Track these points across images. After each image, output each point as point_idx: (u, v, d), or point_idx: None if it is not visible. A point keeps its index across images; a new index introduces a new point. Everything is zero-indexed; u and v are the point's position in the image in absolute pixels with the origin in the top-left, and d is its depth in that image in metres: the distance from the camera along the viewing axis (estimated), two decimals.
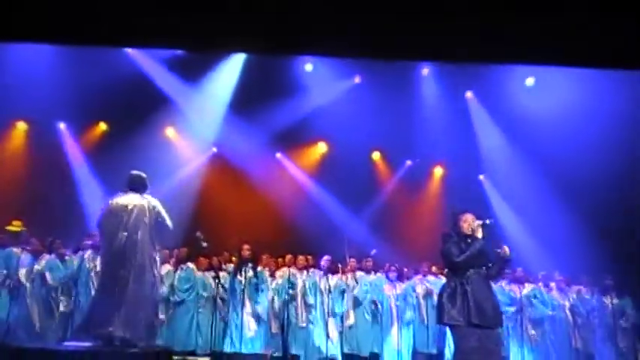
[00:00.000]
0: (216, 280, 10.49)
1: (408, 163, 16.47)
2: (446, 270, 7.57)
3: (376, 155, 16.55)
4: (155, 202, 8.29)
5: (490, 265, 7.03)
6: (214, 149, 15.61)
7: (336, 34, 9.00)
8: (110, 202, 8.25)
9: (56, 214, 13.55)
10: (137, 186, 8.42)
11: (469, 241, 6.97)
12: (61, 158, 14.79)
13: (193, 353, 11.55)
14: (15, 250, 11.23)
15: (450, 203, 15.24)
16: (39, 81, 13.45)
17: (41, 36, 10.25)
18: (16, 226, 11.89)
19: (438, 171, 16.62)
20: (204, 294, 11.98)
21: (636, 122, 12.69)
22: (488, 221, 7.09)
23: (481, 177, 16.26)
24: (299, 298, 11.73)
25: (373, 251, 13.04)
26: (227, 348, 10.65)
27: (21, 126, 14.89)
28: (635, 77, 11.65)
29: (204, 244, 9.47)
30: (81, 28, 9.17)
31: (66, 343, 8.44)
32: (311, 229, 14.91)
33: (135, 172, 8.60)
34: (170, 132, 15.66)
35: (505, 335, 11.26)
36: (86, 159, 14.91)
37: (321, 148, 16.44)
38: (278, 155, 16.17)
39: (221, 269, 11.82)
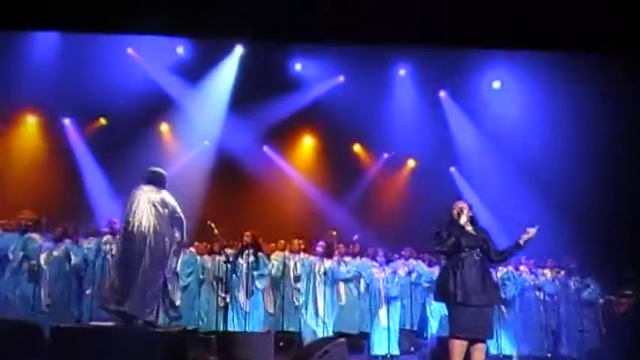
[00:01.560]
0: (227, 264, 10.55)
1: (385, 155, 16.73)
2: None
3: (357, 147, 16.74)
4: (172, 201, 8.24)
5: (491, 248, 7.25)
6: (207, 143, 15.60)
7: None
8: (135, 191, 8.24)
9: (64, 203, 13.65)
10: (156, 181, 8.36)
11: (458, 225, 7.25)
12: (67, 151, 14.88)
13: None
14: (34, 235, 11.20)
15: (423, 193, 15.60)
16: (46, 76, 13.53)
17: (46, 23, 10.39)
18: (26, 214, 11.92)
19: (411, 163, 16.87)
20: (202, 276, 12.11)
21: (599, 114, 12.99)
22: (460, 204, 7.41)
23: (452, 169, 16.51)
24: (293, 280, 11.88)
25: (356, 236, 13.16)
26: (230, 327, 10.75)
27: (30, 119, 14.95)
28: (592, 63, 12.05)
29: (216, 232, 9.59)
30: (84, 15, 9.31)
31: (92, 323, 8.56)
32: (299, 216, 15.24)
33: (154, 168, 8.53)
34: (164, 127, 15.81)
35: None
36: (89, 152, 14.95)
37: (307, 141, 16.72)
38: (265, 148, 16.27)
39: (220, 254, 11.93)
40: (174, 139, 15.79)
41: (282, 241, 12.71)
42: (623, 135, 12.78)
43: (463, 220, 7.24)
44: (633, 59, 10.49)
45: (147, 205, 8.03)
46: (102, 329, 7.65)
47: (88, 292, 11.02)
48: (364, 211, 15.76)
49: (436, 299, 7.50)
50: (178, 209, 8.25)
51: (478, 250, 7.16)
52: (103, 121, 15.32)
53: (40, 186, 13.95)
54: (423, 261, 12.80)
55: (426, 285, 12.30)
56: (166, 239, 8.16)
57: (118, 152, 14.10)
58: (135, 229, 7.89)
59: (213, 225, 9.49)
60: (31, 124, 14.97)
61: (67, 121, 15.14)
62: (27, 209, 11.95)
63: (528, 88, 14.56)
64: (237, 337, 9.21)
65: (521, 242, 7.21)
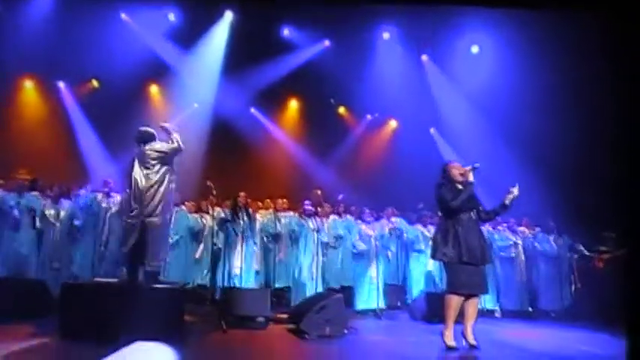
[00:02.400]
0: (226, 223, 10.77)
1: (369, 117, 17.01)
2: (439, 213, 7.90)
3: (342, 110, 17.07)
4: (162, 147, 8.14)
5: (481, 209, 7.50)
6: (196, 105, 15.73)
7: None
8: (133, 155, 8.31)
9: (59, 164, 13.76)
10: (146, 138, 8.24)
11: (459, 187, 7.44)
12: (62, 113, 14.97)
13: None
14: (34, 194, 11.42)
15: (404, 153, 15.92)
16: (40, 40, 13.51)
17: None
18: (22, 174, 12.02)
19: (393, 124, 17.17)
20: (191, 234, 12.20)
21: (577, 74, 13.10)
22: (477, 165, 7.52)
23: (432, 130, 16.77)
24: (284, 238, 12.09)
25: (340, 196, 13.30)
26: (225, 283, 10.95)
27: (27, 83, 15.05)
28: (567, 22, 12.15)
29: (214, 192, 9.75)
30: None
31: (96, 279, 8.75)
32: (286, 176, 15.47)
33: (142, 127, 8.43)
34: (155, 90, 16.00)
35: None
36: (83, 114, 15.07)
37: (294, 103, 17.01)
38: (252, 110, 16.47)
39: (208, 212, 12.15)
40: (165, 101, 15.92)
41: (268, 200, 12.87)
42: (602, 95, 12.85)
43: (471, 178, 7.46)
44: (609, 17, 10.56)
45: (140, 165, 8.10)
46: (106, 285, 7.83)
47: (88, 249, 11.25)
48: (349, 171, 16.04)
49: (434, 257, 7.70)
50: (169, 146, 8.16)
51: (474, 210, 7.47)
52: (95, 83, 15.41)
53: (36, 147, 14.01)
54: (404, 219, 13.01)
55: (410, 241, 12.59)
56: (166, 196, 8.28)
57: (111, 114, 14.21)
58: (134, 191, 8.01)
59: (212, 185, 9.66)
60: (28, 88, 15.10)
61: (61, 84, 15.23)
62: (23, 169, 12.07)
63: (505, 51, 14.69)
64: (236, 293, 9.35)
65: (507, 202, 7.47)
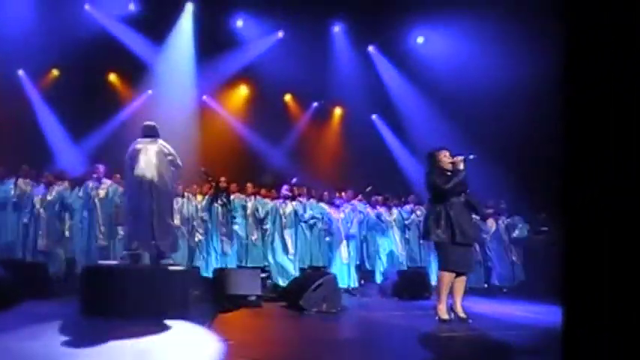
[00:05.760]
0: (215, 204, 11.20)
1: (315, 104, 17.57)
2: (430, 197, 8.16)
3: (288, 97, 17.55)
4: (170, 149, 8.66)
5: (467, 191, 8.02)
6: (150, 92, 15.94)
7: None
8: (135, 145, 8.58)
9: (25, 151, 13.68)
10: (152, 133, 8.76)
11: (448, 173, 7.95)
12: (23, 102, 14.83)
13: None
14: (23, 180, 11.52)
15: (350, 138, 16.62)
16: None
17: None
18: None
19: (338, 111, 17.78)
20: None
21: (523, 57, 13.30)
22: (471, 157, 7.98)
23: (373, 117, 17.51)
24: (257, 222, 12.49)
25: (294, 179, 13.66)
26: (213, 265, 11.36)
27: None
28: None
29: (210, 178, 10.17)
30: None
31: (99, 262, 9.03)
32: (239, 160, 15.80)
33: (148, 122, 8.92)
34: (112, 77, 16.04)
35: None
36: (44, 102, 15.00)
37: (243, 90, 17.23)
38: (204, 98, 16.73)
39: (183, 196, 12.38)
40: (123, 88, 16.03)
41: (235, 185, 12.92)
42: (549, 79, 13.09)
43: (461, 167, 7.87)
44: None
45: (149, 156, 8.46)
46: (121, 268, 8.14)
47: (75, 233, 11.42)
48: (299, 155, 16.65)
49: (426, 238, 8.36)
50: (177, 157, 8.74)
51: (463, 194, 7.98)
52: (55, 72, 15.34)
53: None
54: (361, 202, 13.43)
55: (373, 223, 13.15)
56: (169, 185, 8.72)
57: (73, 102, 14.28)
58: (142, 179, 8.34)
59: (206, 171, 10.03)
60: None
61: (20, 72, 15.09)
62: None
63: (449, 40, 15.29)
64: (228, 273, 9.65)
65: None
